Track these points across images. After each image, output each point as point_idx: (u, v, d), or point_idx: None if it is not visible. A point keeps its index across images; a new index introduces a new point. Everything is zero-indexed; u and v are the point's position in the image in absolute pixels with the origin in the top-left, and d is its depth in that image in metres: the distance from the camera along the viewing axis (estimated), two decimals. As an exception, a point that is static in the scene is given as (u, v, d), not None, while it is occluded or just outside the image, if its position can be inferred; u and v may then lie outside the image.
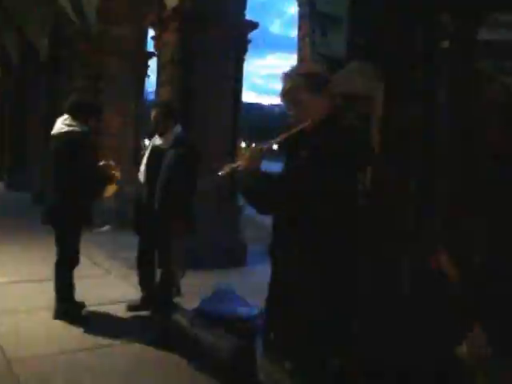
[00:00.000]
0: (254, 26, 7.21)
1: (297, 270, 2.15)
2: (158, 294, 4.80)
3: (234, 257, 7.13)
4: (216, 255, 6.65)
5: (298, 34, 3.63)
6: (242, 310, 4.38)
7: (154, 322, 4.58)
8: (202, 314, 4.18)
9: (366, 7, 3.50)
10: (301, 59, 3.51)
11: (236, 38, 7.05)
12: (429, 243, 3.39)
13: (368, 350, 2.25)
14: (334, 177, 2.14)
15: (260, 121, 53.63)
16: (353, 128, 2.35)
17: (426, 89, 3.52)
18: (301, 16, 3.58)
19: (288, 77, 2.39)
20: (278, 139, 2.32)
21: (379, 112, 3.55)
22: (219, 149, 7.02)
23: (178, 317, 4.00)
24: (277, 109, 74.32)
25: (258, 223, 9.56)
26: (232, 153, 7.40)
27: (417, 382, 2.55)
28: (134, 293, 5.25)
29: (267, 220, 8.80)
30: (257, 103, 67.82)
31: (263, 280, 6.44)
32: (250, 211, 8.59)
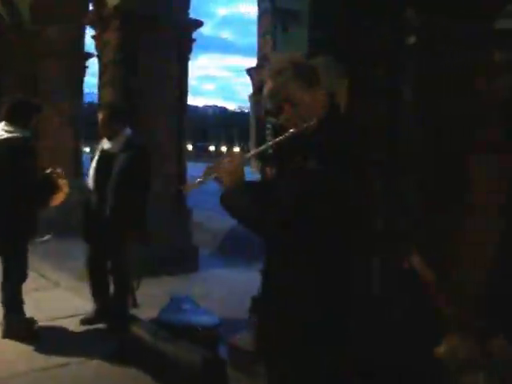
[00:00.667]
0: (198, 24, 7.04)
1: (291, 272, 2.00)
2: (112, 306, 4.57)
3: (186, 262, 6.96)
4: (169, 260, 6.46)
5: (258, 32, 3.49)
6: (204, 320, 4.22)
7: (110, 335, 4.34)
8: (163, 325, 3.99)
9: (328, 2, 3.43)
10: (262, 56, 3.38)
11: (180, 36, 6.86)
12: (400, 244, 3.36)
13: (361, 350, 2.16)
14: (342, 178, 1.94)
15: (196, 122, 53.30)
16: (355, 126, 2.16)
17: (390, 86, 3.49)
18: (261, 13, 3.45)
19: (275, 73, 2.05)
20: (269, 145, 2.03)
21: (342, 109, 3.47)
22: (165, 151, 6.82)
23: (137, 329, 3.80)
24: (210, 110, 74.24)
25: (204, 227, 9.41)
26: (179, 155, 7.21)
27: (408, 382, 2.47)
28: (86, 305, 4.96)
29: (213, 223, 8.70)
30: (191, 105, 67.36)
31: (218, 286, 6.42)
32: (196, 216, 8.50)
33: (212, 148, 56.01)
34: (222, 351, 4.01)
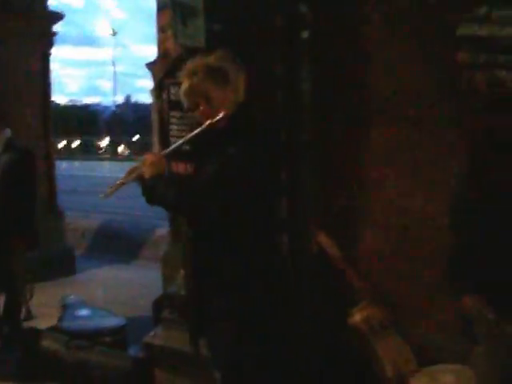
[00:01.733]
0: (59, 17, 6.69)
1: (220, 260, 2.17)
2: (5, 321, 4.24)
3: (63, 265, 6.66)
4: (45, 264, 6.13)
5: (158, 26, 3.46)
6: (110, 322, 4.11)
7: (6, 353, 4.03)
8: (73, 334, 3.80)
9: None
10: (164, 51, 3.36)
11: (41, 30, 6.47)
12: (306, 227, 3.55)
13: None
14: (262, 169, 2.24)
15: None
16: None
17: (287, 78, 3.64)
18: (160, 7, 3.42)
19: (190, 73, 2.27)
20: (186, 139, 2.26)
21: (240, 100, 3.56)
22: (32, 150, 6.42)
23: (47, 341, 3.59)
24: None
25: (71, 227, 9.04)
26: (47, 153, 6.84)
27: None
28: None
29: (81, 223, 8.37)
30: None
31: (102, 287, 6.22)
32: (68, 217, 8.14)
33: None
34: (133, 351, 3.94)
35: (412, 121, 3.20)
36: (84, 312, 4.35)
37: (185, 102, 2.34)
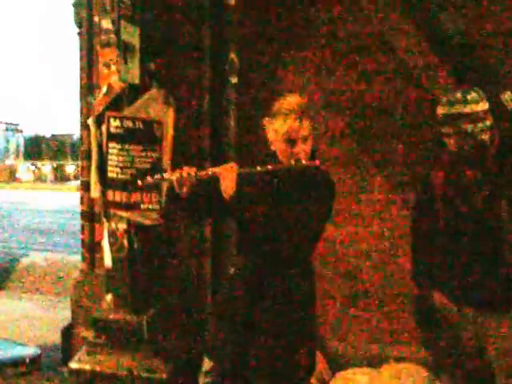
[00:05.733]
0: None
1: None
2: None
3: None
4: None
5: (101, 61, 3.62)
6: (28, 351, 4.03)
7: None
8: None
9: (154, 37, 3.77)
10: (107, 86, 3.52)
11: None
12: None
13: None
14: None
15: None
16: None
17: (214, 114, 4.02)
18: (103, 44, 3.59)
19: (306, 114, 2.31)
20: (265, 169, 2.28)
21: (170, 135, 3.86)
22: None
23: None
24: None
25: None
26: None
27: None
28: None
29: None
30: None
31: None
32: None
33: None
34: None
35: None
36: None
37: (283, 137, 2.32)
